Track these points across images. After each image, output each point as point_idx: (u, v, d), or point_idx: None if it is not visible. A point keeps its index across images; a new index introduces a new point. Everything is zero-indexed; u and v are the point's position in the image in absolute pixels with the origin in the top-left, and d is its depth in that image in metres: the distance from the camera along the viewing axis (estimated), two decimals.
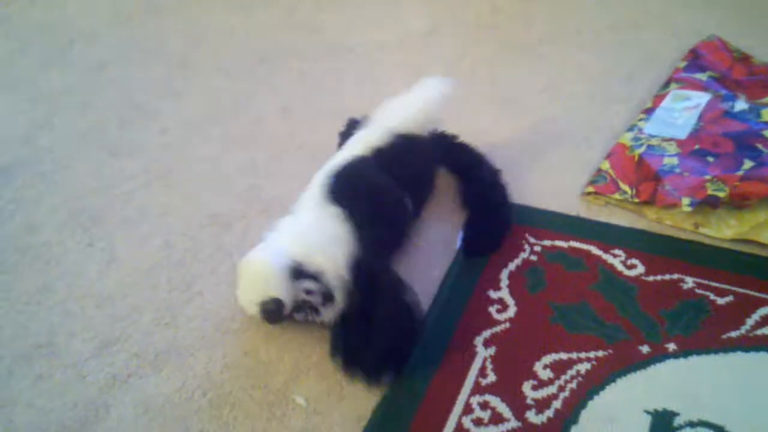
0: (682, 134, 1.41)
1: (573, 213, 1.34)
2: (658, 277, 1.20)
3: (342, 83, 1.71)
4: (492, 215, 1.33)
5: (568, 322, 1.15)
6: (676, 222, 1.29)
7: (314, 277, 1.13)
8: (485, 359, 1.11)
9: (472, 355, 1.12)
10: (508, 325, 1.16)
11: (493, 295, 1.20)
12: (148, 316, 1.25)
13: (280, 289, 1.11)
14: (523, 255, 1.26)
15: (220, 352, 1.19)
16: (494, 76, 1.69)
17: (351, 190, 1.23)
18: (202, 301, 1.27)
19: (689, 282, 1.18)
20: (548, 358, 1.10)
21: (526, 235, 1.30)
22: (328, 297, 1.13)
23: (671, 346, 1.09)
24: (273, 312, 1.12)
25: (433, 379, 1.10)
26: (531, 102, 1.60)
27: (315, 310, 1.16)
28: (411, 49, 1.80)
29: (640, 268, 1.21)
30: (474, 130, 1.54)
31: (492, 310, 1.18)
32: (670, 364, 1.07)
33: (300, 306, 1.15)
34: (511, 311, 1.18)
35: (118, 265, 1.34)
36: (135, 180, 1.50)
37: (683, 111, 1.46)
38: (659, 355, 1.08)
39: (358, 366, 1.10)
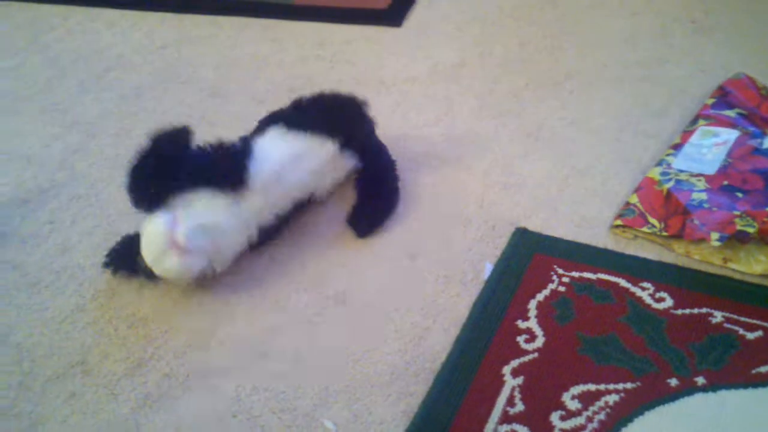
0: (711, 170, 1.42)
1: (601, 245, 1.35)
2: (687, 311, 1.20)
3: (372, 114, 1.73)
4: (380, 199, 1.47)
5: (596, 353, 1.15)
6: (704, 256, 1.29)
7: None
8: (513, 388, 1.12)
9: (500, 384, 1.13)
10: (536, 355, 1.16)
11: (522, 325, 1.21)
12: (181, 339, 1.27)
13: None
14: (552, 286, 1.27)
15: (250, 376, 1.20)
16: (523, 109, 1.71)
17: None
18: (233, 324, 1.29)
19: (718, 316, 1.19)
20: (577, 389, 1.10)
21: (555, 266, 1.31)
22: None
23: (700, 380, 1.09)
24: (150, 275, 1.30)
25: (461, 408, 1.10)
26: (559, 135, 1.62)
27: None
28: (440, 81, 1.83)
29: (669, 302, 1.22)
30: (503, 163, 1.56)
31: (520, 339, 1.19)
32: (700, 398, 1.07)
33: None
34: (540, 341, 1.18)
35: (151, 288, 1.36)
36: None
37: (712, 147, 1.47)
38: (688, 389, 1.08)
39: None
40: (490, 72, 1.84)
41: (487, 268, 1.33)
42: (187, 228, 1.27)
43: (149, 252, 1.28)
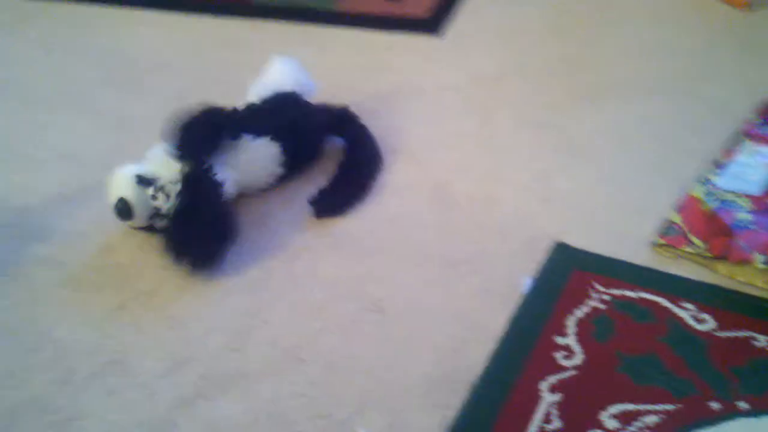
0: (757, 190, 1.41)
1: (642, 263, 1.34)
2: (730, 334, 1.19)
3: (410, 122, 1.74)
4: (352, 183, 1.56)
5: (635, 372, 1.15)
6: (748, 279, 1.28)
7: (152, 182, 1.41)
8: (550, 405, 1.12)
9: (537, 400, 1.13)
10: (574, 372, 1.16)
11: (560, 341, 1.21)
12: (218, 340, 1.28)
13: (127, 192, 1.41)
14: (591, 302, 1.27)
15: (286, 380, 1.21)
16: (562, 121, 1.70)
17: None
18: (270, 328, 1.30)
19: (762, 341, 1.18)
20: (615, 408, 1.10)
21: (594, 282, 1.30)
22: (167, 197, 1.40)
23: (743, 405, 1.08)
24: (122, 210, 1.42)
25: (497, 422, 1.10)
26: (599, 149, 1.62)
27: (162, 216, 1.42)
28: (479, 91, 1.83)
29: (711, 323, 1.21)
30: (541, 176, 1.56)
31: (558, 356, 1.19)
32: (742, 422, 1.06)
33: (152, 214, 1.42)
34: (578, 358, 1.18)
35: (191, 289, 1.37)
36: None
37: (757, 167, 1.46)
38: (730, 413, 1.07)
39: (186, 256, 1.38)
40: (529, 83, 1.84)
41: (526, 282, 1.32)
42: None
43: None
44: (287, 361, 1.24)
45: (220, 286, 1.38)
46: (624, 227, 1.43)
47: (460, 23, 2.09)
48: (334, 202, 1.52)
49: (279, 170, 1.55)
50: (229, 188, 1.47)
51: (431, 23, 2.09)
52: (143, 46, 2.11)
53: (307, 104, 1.65)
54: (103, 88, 1.94)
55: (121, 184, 1.42)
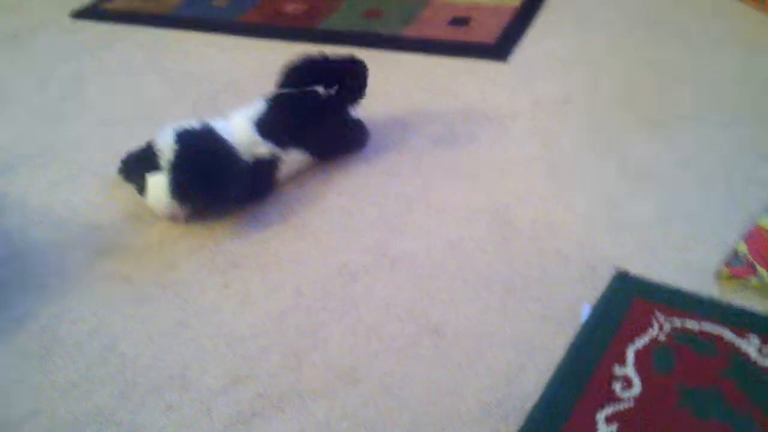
0: None
1: (706, 294, 1.31)
2: None
3: (474, 147, 1.74)
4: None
5: (696, 406, 1.11)
6: None
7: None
8: None
9: (593, 431, 1.10)
10: (632, 403, 1.13)
11: (618, 371, 1.18)
12: (275, 359, 1.30)
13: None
14: (652, 332, 1.24)
15: (340, 401, 1.22)
16: (628, 148, 1.68)
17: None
18: (326, 349, 1.31)
19: None
20: None
21: (656, 312, 1.27)
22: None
23: None
24: (139, 189, 1.61)
25: None
26: (665, 177, 1.59)
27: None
28: (544, 117, 1.82)
29: None
30: (605, 202, 1.54)
31: (616, 386, 1.16)
32: None
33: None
34: (636, 389, 1.15)
35: (251, 308, 1.40)
36: (271, 228, 1.57)
37: None
38: None
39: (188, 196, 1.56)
40: (595, 109, 1.82)
41: (585, 310, 1.31)
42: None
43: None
44: (342, 381, 1.25)
45: (279, 306, 1.39)
46: (688, 256, 1.40)
47: (525, 49, 2.09)
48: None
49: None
50: None
51: (497, 49, 2.09)
52: (214, 68, 2.17)
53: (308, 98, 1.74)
54: (176, 107, 2.00)
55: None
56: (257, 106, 1.70)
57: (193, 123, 1.61)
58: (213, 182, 1.55)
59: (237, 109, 1.71)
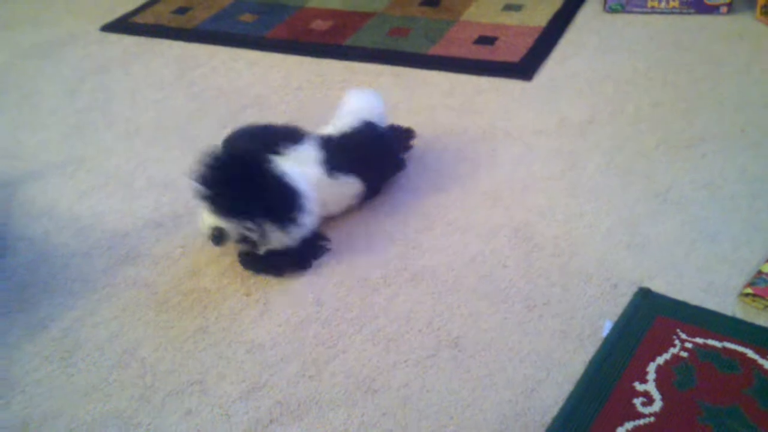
0: None
1: (729, 313, 1.30)
2: None
3: (497, 164, 1.74)
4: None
5: (717, 424, 1.10)
6: None
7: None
8: None
9: None
10: (652, 419, 1.12)
11: (639, 387, 1.18)
12: (294, 367, 1.30)
13: (225, 223, 1.45)
14: (674, 350, 1.23)
15: (359, 410, 1.22)
16: (652, 169, 1.67)
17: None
18: (345, 358, 1.31)
19: None
20: None
21: (678, 330, 1.27)
22: (263, 236, 1.47)
23: None
24: (217, 237, 1.45)
25: None
26: (689, 198, 1.58)
27: (254, 243, 1.48)
28: (568, 136, 1.82)
29: None
30: (628, 221, 1.53)
31: (637, 402, 1.15)
32: None
33: (243, 239, 1.47)
34: (657, 406, 1.14)
35: (271, 316, 1.40)
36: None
37: None
38: None
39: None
40: (619, 130, 1.82)
41: (607, 326, 1.30)
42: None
43: None
44: (361, 391, 1.25)
45: (299, 315, 1.40)
46: (711, 276, 1.39)
47: (550, 69, 2.10)
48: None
49: (357, 201, 1.64)
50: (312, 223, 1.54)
51: (522, 68, 2.10)
52: (241, 82, 2.19)
53: (382, 136, 1.70)
54: (201, 121, 2.02)
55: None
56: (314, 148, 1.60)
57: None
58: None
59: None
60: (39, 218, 1.73)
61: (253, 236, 1.46)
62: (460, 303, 1.39)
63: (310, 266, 1.51)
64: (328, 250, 1.55)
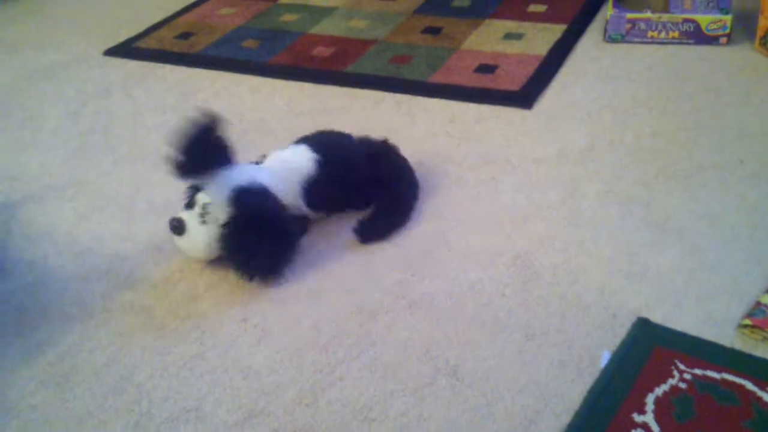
0: None
1: (728, 344, 1.30)
2: None
3: (496, 192, 1.74)
4: (393, 213, 1.67)
5: None
6: None
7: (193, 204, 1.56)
8: None
9: None
10: None
11: (638, 418, 1.17)
12: (291, 394, 1.29)
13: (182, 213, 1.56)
14: (672, 381, 1.22)
15: None
16: (651, 198, 1.68)
17: None
18: (342, 386, 1.30)
19: None
20: None
21: (676, 361, 1.26)
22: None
23: None
24: (176, 227, 1.54)
25: None
26: (688, 228, 1.58)
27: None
28: (567, 165, 1.82)
29: None
30: (627, 251, 1.53)
31: None
32: None
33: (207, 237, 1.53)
34: None
35: (268, 342, 1.40)
36: (291, 265, 1.57)
37: None
38: None
39: (246, 267, 1.51)
40: (619, 159, 1.82)
41: (605, 357, 1.29)
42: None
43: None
44: (358, 420, 1.24)
45: (296, 342, 1.39)
46: (710, 307, 1.38)
47: (551, 98, 2.11)
48: (378, 229, 1.63)
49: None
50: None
51: (522, 96, 2.11)
52: (243, 107, 2.20)
53: (352, 150, 1.72)
54: None
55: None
56: (303, 162, 1.64)
57: (242, 177, 1.54)
58: (266, 251, 1.52)
59: (275, 152, 1.69)
60: (38, 241, 1.73)
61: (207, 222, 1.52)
62: (459, 331, 1.39)
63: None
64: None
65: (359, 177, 1.68)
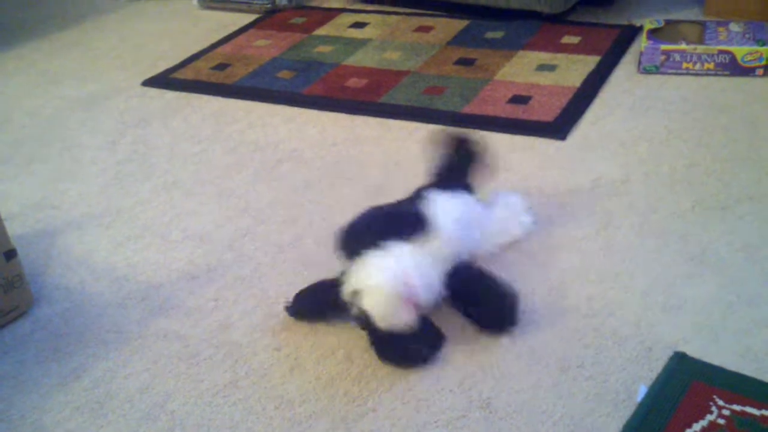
0: None
1: (767, 379, 1.27)
2: None
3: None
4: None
5: None
6: None
7: None
8: None
9: None
10: None
11: None
12: (324, 425, 1.29)
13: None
14: (710, 417, 1.20)
15: None
16: (687, 230, 1.66)
17: None
18: (375, 417, 1.30)
19: None
20: None
21: (714, 396, 1.24)
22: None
23: None
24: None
25: None
26: (726, 260, 1.56)
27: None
28: (602, 196, 1.81)
29: None
30: (663, 283, 1.52)
31: None
32: None
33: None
34: None
35: (301, 372, 1.40)
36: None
37: None
38: None
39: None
40: (654, 190, 1.81)
41: (641, 391, 1.28)
42: (420, 280, 1.36)
43: (381, 306, 1.35)
44: None
45: (329, 371, 1.39)
46: (749, 341, 1.36)
47: (584, 129, 2.10)
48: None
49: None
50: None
51: (556, 127, 2.10)
52: (276, 137, 2.22)
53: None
54: (237, 175, 2.05)
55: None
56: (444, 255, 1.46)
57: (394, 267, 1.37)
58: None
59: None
60: (76, 268, 1.75)
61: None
62: (492, 363, 1.38)
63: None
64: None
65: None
